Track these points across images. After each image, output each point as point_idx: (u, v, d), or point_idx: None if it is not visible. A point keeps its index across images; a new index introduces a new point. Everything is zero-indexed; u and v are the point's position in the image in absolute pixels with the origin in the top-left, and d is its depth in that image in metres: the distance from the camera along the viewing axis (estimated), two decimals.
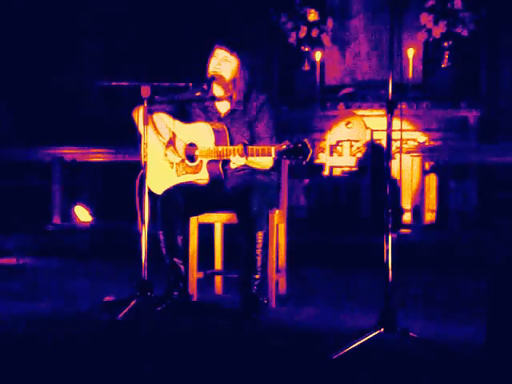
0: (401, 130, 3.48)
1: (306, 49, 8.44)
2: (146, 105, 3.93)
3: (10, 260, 6.12)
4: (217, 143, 4.06)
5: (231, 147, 3.96)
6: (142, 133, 4.02)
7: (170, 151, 4.19)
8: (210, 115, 4.24)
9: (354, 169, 7.78)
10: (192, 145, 4.15)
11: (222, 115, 4.23)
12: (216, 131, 4.08)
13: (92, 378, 2.76)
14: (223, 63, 4.15)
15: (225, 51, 4.16)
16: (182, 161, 4.18)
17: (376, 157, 7.85)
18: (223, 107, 4.26)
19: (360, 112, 8.01)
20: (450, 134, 7.91)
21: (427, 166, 7.43)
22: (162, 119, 4.22)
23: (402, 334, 3.08)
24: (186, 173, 4.17)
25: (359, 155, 7.77)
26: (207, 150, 4.05)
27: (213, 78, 4.14)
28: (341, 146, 7.85)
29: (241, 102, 4.20)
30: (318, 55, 8.23)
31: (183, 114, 4.27)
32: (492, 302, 2.86)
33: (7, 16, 8.62)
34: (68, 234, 7.07)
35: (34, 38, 8.64)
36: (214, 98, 4.25)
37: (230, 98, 4.23)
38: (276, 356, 3.10)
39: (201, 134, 4.11)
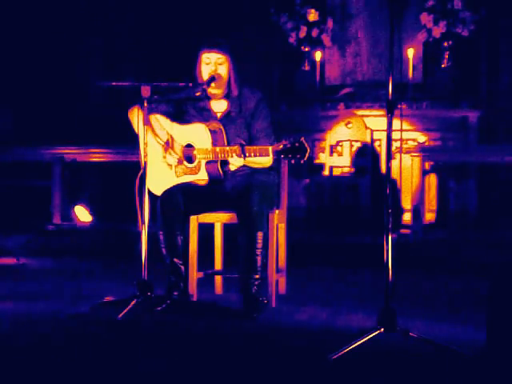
0: (401, 130, 3.47)
1: (306, 49, 8.44)
2: (146, 105, 3.93)
3: (10, 260, 6.12)
4: (214, 143, 4.06)
5: (228, 148, 3.97)
6: (138, 133, 4.03)
7: (169, 152, 4.19)
8: (206, 116, 4.23)
9: (353, 169, 7.78)
10: (189, 146, 4.14)
11: (219, 116, 4.23)
12: (212, 131, 4.08)
13: (92, 378, 2.76)
14: (218, 66, 4.14)
15: (216, 53, 4.15)
16: (181, 162, 4.18)
17: (376, 157, 7.86)
18: (220, 108, 4.26)
19: (360, 112, 8.00)
20: (450, 134, 7.90)
21: (427, 166, 7.43)
22: (159, 120, 4.22)
23: (402, 334, 3.08)
24: (185, 174, 4.16)
25: (359, 155, 7.77)
26: (204, 151, 4.05)
27: (213, 78, 4.13)
28: (341, 146, 7.84)
29: (236, 103, 4.20)
30: (318, 55, 8.24)
31: (180, 115, 4.27)
32: (492, 302, 2.86)
33: (7, 16, 8.61)
34: (68, 234, 7.06)
35: (34, 38, 8.64)
36: (209, 98, 4.25)
37: (227, 98, 4.23)
38: (276, 356, 3.10)
39: (197, 134, 4.10)
